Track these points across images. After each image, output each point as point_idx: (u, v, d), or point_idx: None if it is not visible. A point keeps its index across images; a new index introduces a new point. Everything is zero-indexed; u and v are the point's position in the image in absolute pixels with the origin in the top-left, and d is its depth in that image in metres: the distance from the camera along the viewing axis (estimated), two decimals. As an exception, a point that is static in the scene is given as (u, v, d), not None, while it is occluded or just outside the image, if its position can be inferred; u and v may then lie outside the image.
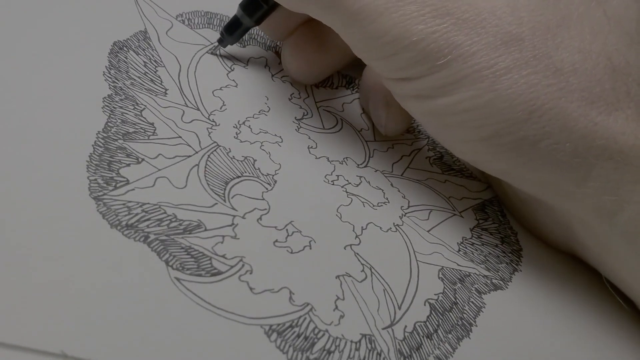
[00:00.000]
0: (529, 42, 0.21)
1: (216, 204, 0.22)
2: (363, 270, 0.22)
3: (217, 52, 0.28)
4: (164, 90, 0.25)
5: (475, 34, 0.21)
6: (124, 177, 0.21)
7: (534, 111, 0.21)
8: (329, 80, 0.30)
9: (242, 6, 0.26)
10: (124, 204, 0.20)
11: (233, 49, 0.28)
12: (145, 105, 0.24)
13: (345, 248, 0.23)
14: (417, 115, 0.24)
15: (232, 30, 0.27)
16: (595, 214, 0.22)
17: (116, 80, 0.24)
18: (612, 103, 0.21)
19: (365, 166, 0.27)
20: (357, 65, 0.28)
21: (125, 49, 0.26)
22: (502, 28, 0.21)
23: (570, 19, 0.22)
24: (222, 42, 0.27)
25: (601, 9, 0.22)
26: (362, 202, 0.25)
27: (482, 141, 0.22)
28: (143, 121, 0.23)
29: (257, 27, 0.27)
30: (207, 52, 0.27)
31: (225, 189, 0.23)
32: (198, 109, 0.25)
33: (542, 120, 0.21)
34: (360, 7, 0.22)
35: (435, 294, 0.23)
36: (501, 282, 0.25)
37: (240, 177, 0.23)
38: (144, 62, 0.26)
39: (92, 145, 0.22)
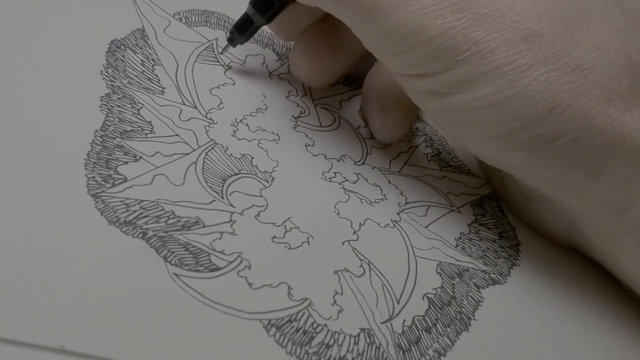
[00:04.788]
0: (548, 38, 0.21)
1: (214, 200, 0.22)
2: (361, 266, 0.22)
3: (227, 52, 0.28)
4: (161, 89, 0.25)
5: (495, 29, 0.21)
6: (122, 175, 0.21)
7: (553, 108, 0.21)
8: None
9: (253, 4, 0.26)
10: (122, 201, 0.20)
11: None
12: (142, 104, 0.24)
13: (343, 244, 0.23)
14: (430, 112, 0.24)
15: (243, 29, 0.26)
16: (604, 210, 0.22)
17: (114, 79, 0.24)
18: (629, 100, 0.21)
19: (363, 163, 0.27)
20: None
21: (122, 47, 0.26)
22: (521, 24, 0.21)
23: (589, 16, 0.22)
24: (232, 41, 0.27)
25: (618, 7, 0.22)
26: (360, 198, 0.25)
27: (498, 138, 0.22)
28: (141, 119, 0.23)
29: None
30: (219, 52, 0.27)
31: (223, 186, 0.23)
32: (195, 107, 0.25)
33: (561, 117, 0.21)
34: (376, 0, 0.21)
35: (433, 289, 0.23)
36: (499, 276, 0.25)
37: (238, 174, 0.23)
38: (142, 60, 0.26)
39: (90, 144, 0.22)
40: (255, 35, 0.30)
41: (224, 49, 0.27)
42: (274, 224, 0.22)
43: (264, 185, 0.23)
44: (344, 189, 0.25)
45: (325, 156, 0.26)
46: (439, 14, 0.21)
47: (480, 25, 0.21)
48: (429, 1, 0.21)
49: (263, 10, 0.26)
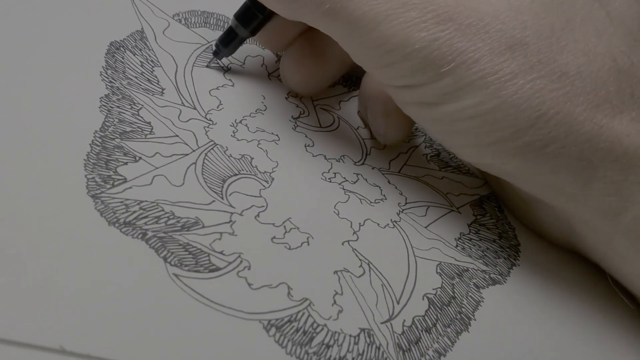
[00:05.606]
0: (533, 46, 0.21)
1: (214, 201, 0.22)
2: (361, 266, 0.22)
3: (217, 64, 0.28)
4: (160, 90, 0.25)
5: (479, 39, 0.21)
6: (122, 176, 0.21)
7: (540, 116, 0.21)
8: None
9: (237, 16, 0.26)
10: (121, 202, 0.20)
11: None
12: (142, 105, 0.24)
13: (343, 244, 0.23)
14: (420, 121, 0.24)
15: (228, 41, 0.26)
16: (598, 215, 0.22)
17: (113, 81, 0.24)
18: (617, 105, 0.21)
19: (362, 163, 0.27)
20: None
21: (122, 49, 0.26)
22: (506, 33, 0.21)
23: (574, 21, 0.22)
24: (217, 54, 0.27)
25: (604, 10, 0.22)
26: (360, 198, 0.25)
27: (488, 146, 0.22)
28: (140, 120, 0.23)
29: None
30: (206, 65, 0.27)
31: (222, 187, 0.23)
32: (195, 108, 0.25)
33: (549, 125, 0.21)
34: (361, 15, 0.21)
35: (433, 289, 0.23)
36: (499, 276, 0.25)
37: (237, 174, 0.23)
38: (141, 62, 0.26)
39: (90, 144, 0.22)
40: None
41: (210, 61, 0.27)
42: (273, 224, 0.22)
43: (264, 186, 0.23)
44: (344, 189, 0.25)
45: (324, 156, 0.26)
46: (422, 26, 0.21)
47: (465, 36, 0.21)
48: (412, 14, 0.21)
49: (246, 22, 0.26)
